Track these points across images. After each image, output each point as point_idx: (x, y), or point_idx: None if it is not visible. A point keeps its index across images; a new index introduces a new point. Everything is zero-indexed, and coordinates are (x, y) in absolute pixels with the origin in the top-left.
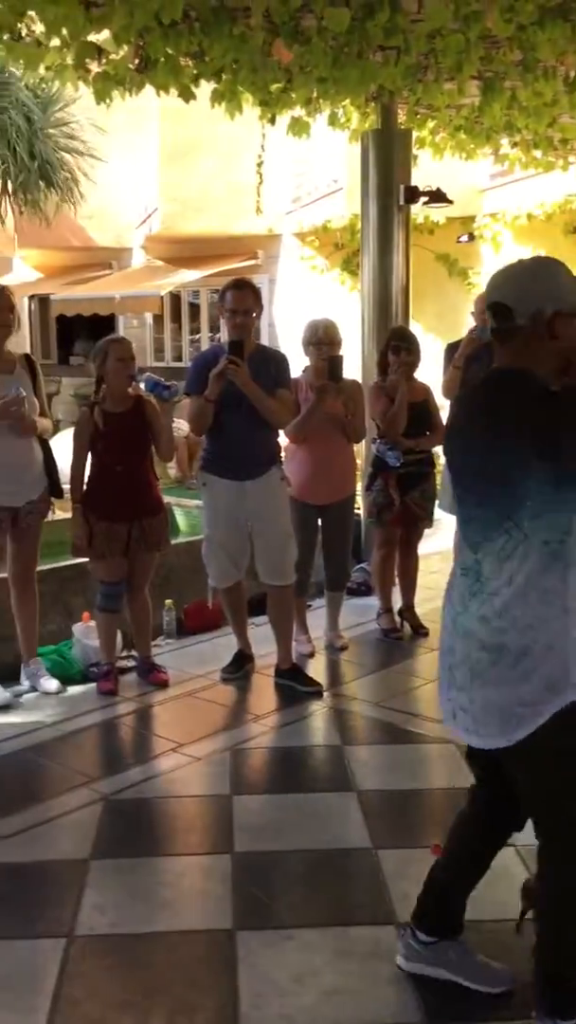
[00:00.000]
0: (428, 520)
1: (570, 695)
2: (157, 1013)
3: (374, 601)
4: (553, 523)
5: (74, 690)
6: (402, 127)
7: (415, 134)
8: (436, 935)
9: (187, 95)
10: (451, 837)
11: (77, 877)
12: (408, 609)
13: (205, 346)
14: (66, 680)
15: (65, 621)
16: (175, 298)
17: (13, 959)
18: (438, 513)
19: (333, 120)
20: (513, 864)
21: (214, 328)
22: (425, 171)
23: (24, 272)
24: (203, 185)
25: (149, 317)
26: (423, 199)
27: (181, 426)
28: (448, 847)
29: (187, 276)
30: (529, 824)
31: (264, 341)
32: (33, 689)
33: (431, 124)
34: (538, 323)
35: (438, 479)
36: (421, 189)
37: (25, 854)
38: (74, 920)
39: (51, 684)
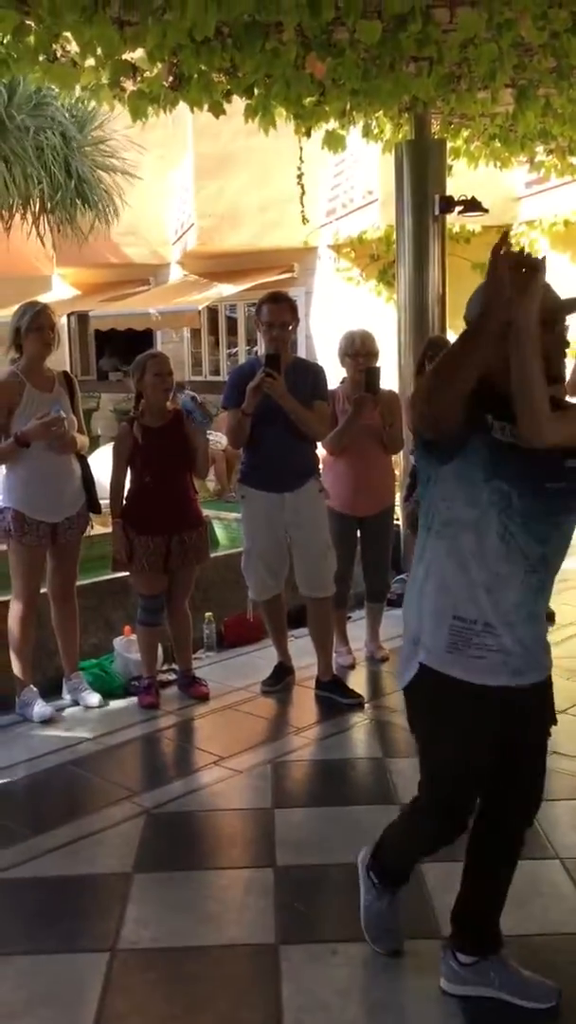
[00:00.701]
0: None
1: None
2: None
3: None
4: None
5: (116, 704)
6: (436, 137)
7: (449, 144)
8: (476, 955)
9: (217, 110)
10: (467, 855)
11: (120, 890)
12: None
13: (243, 360)
14: (107, 694)
15: (106, 635)
16: (212, 312)
17: (56, 973)
18: None
19: (367, 132)
20: (559, 876)
21: (251, 342)
22: (460, 180)
23: (63, 290)
24: (238, 199)
25: (187, 332)
26: (458, 209)
27: (220, 439)
28: (466, 866)
29: (224, 290)
30: (571, 837)
31: (301, 354)
32: (75, 703)
33: (465, 133)
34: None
35: None
36: (456, 199)
37: (68, 867)
38: (117, 934)
39: (93, 698)
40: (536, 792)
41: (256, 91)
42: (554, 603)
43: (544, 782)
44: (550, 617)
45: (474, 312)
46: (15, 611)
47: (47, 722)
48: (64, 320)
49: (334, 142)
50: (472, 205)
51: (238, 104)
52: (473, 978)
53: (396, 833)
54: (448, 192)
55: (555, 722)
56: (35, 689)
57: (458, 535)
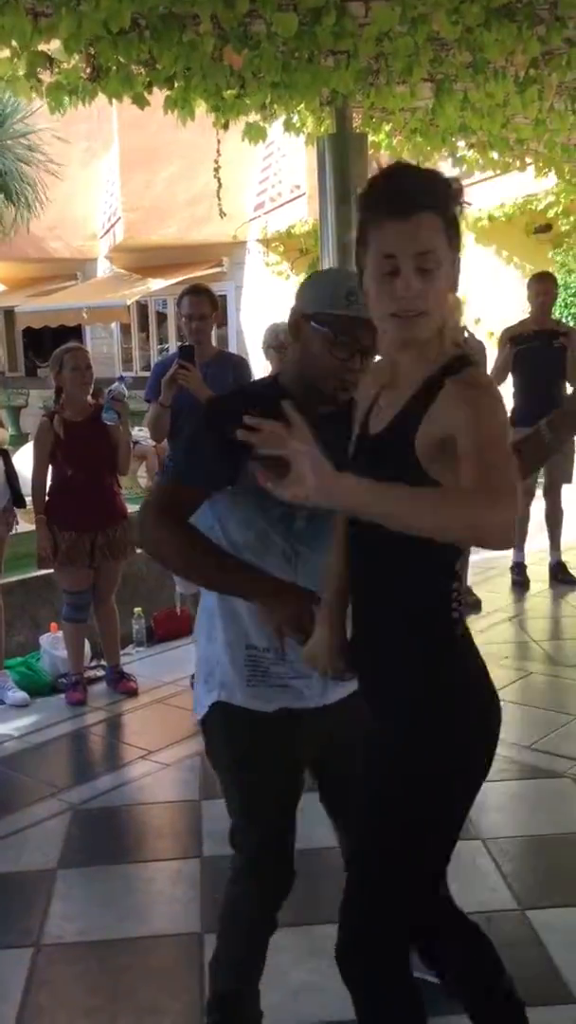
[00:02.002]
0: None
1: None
2: (124, 1017)
3: None
4: None
5: (43, 701)
6: (358, 131)
7: (371, 138)
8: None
9: (140, 102)
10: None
11: (45, 887)
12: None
13: None
14: (35, 692)
15: (32, 632)
16: (142, 307)
17: None
18: None
19: (288, 125)
20: (481, 857)
21: (182, 336)
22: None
23: None
24: (165, 193)
25: (116, 327)
26: None
27: (148, 435)
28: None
29: (153, 285)
30: (493, 817)
31: (232, 348)
32: (0, 702)
33: (387, 127)
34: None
35: None
36: None
37: None
38: (41, 929)
39: (18, 696)
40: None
41: (176, 83)
42: (479, 591)
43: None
44: (476, 605)
45: (309, 307)
46: None
47: None
48: None
49: (254, 134)
50: None
51: (161, 96)
52: None
53: (222, 936)
54: None
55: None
56: None
57: (239, 555)
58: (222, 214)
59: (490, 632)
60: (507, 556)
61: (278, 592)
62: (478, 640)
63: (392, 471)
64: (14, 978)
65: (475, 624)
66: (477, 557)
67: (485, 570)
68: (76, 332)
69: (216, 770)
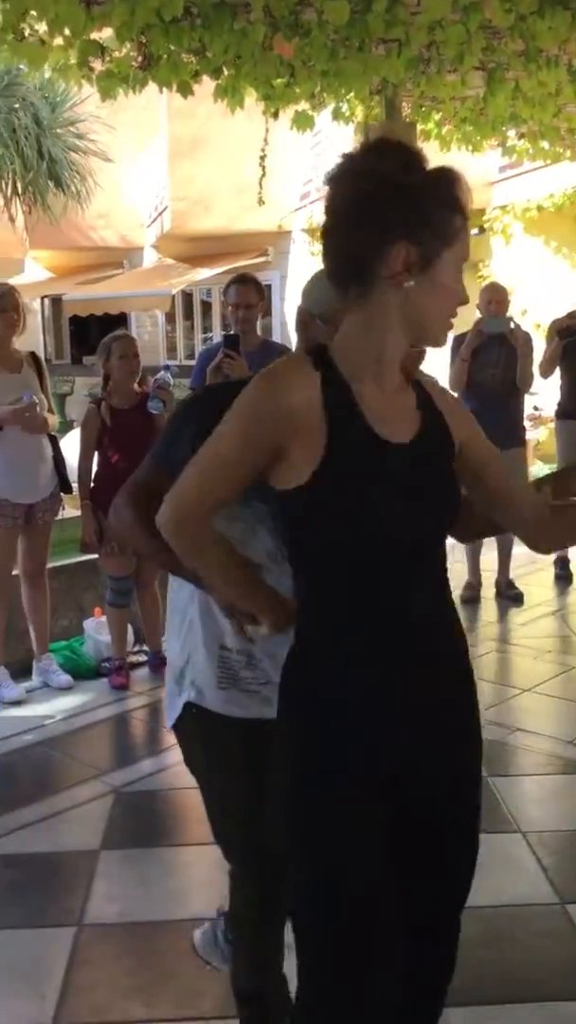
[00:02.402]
0: None
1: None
2: (164, 999)
3: None
4: None
5: (86, 685)
6: (407, 120)
7: (420, 127)
8: None
9: (185, 90)
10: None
11: (87, 867)
12: None
13: None
14: (78, 675)
15: (77, 617)
16: (187, 296)
17: (23, 948)
18: None
19: (337, 114)
20: (522, 850)
21: (226, 326)
22: (433, 165)
23: (36, 272)
24: (212, 182)
25: (161, 316)
26: None
27: None
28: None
29: (199, 274)
30: (534, 811)
31: (276, 338)
32: (45, 684)
33: (436, 116)
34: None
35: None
36: None
37: (37, 845)
38: (83, 909)
39: (62, 679)
40: None
41: (225, 71)
42: (522, 584)
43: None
44: (517, 598)
45: (316, 307)
46: None
47: (17, 703)
48: (37, 303)
49: (303, 123)
50: None
51: (210, 85)
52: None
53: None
54: None
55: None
56: (5, 670)
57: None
58: (261, 202)
59: (532, 626)
60: None
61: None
62: (520, 634)
63: (446, 480)
64: (57, 956)
65: (517, 618)
66: (520, 551)
67: (528, 563)
68: (121, 320)
69: (194, 774)
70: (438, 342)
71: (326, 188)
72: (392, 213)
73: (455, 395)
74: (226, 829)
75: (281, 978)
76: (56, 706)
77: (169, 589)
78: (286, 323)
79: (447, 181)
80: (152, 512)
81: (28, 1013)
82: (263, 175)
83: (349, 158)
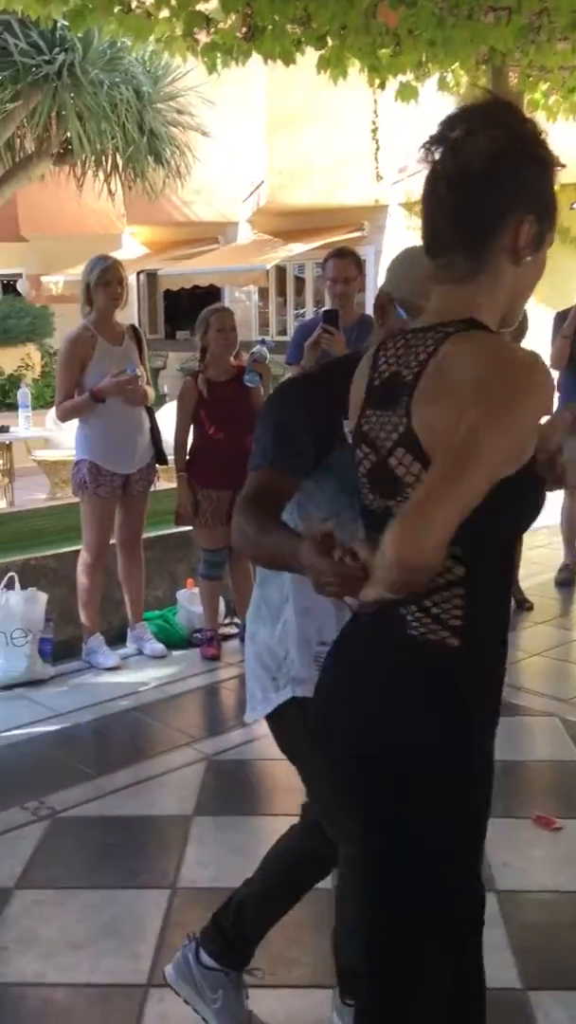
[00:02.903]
0: None
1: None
2: (257, 965)
3: None
4: None
5: (178, 654)
6: (514, 90)
7: (527, 97)
8: (218, 960)
9: (288, 59)
10: (268, 859)
11: (181, 831)
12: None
13: None
14: (170, 645)
15: (170, 587)
16: (280, 271)
17: (119, 907)
18: None
19: (443, 84)
20: None
21: (319, 302)
22: None
23: (133, 248)
24: (309, 156)
25: (255, 291)
26: None
27: None
28: (262, 869)
29: (293, 249)
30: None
31: (370, 313)
32: (139, 652)
33: (544, 87)
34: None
35: None
36: None
37: (131, 808)
38: (177, 873)
39: (156, 648)
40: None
41: (330, 42)
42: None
43: None
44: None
45: (399, 290)
46: (85, 561)
47: (112, 669)
48: (133, 279)
49: (407, 94)
50: None
51: (310, 58)
52: (200, 982)
53: (265, 884)
54: None
55: None
56: (101, 637)
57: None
58: (379, 177)
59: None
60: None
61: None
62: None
63: None
64: (151, 917)
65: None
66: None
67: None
68: (215, 296)
69: (296, 761)
70: (514, 323)
71: (450, 139)
72: (529, 180)
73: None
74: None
75: None
76: (150, 674)
77: (258, 584)
78: None
79: (557, 160)
80: (277, 516)
81: (124, 971)
82: (377, 148)
83: (480, 112)
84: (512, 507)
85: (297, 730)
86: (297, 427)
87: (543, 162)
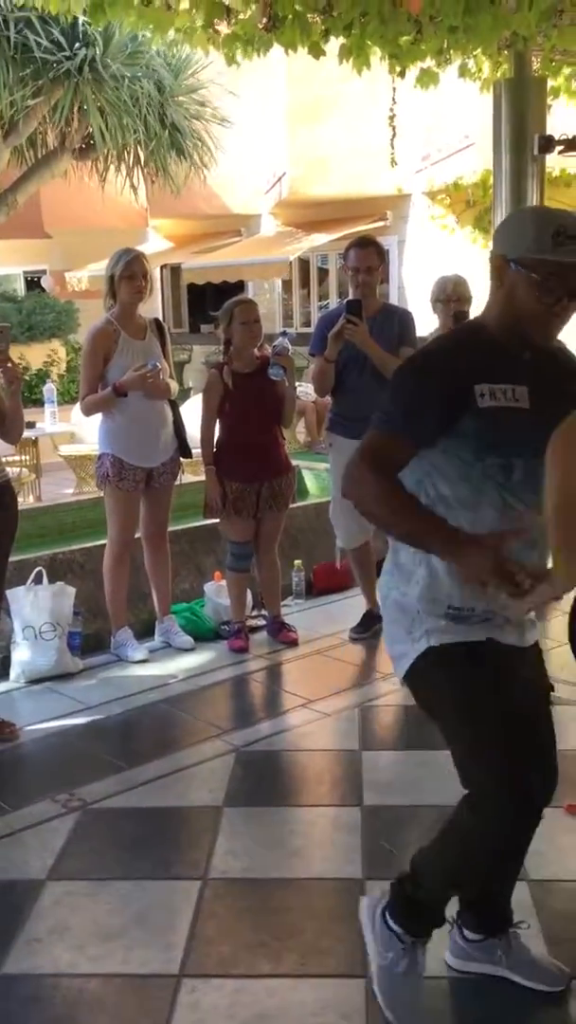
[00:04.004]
0: None
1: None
2: (288, 955)
3: None
4: None
5: (206, 647)
6: (536, 75)
7: (550, 82)
8: (482, 932)
9: (316, 51)
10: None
11: (211, 823)
12: None
13: None
14: (198, 637)
15: (197, 580)
16: (304, 263)
17: (150, 898)
18: None
19: (464, 71)
20: None
21: (343, 293)
22: (562, 121)
23: (156, 242)
24: (330, 147)
25: (278, 283)
26: (559, 148)
27: (309, 391)
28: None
29: (316, 240)
30: None
31: (394, 303)
32: (167, 645)
33: (567, 71)
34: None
35: None
36: (557, 138)
37: (162, 799)
38: (208, 863)
39: (184, 640)
40: (555, 753)
41: (352, 31)
42: None
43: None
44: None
45: (511, 250)
46: (111, 555)
47: (140, 662)
48: (157, 272)
49: (427, 80)
50: (573, 144)
51: (331, 48)
52: (479, 955)
53: (444, 855)
54: (548, 133)
55: (552, 688)
56: (129, 630)
57: (451, 514)
58: (393, 163)
59: None
60: None
61: (464, 544)
62: None
63: None
64: (182, 907)
65: None
66: None
67: None
68: (239, 288)
69: (438, 717)
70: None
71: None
72: None
73: None
74: (492, 760)
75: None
76: (178, 666)
77: (392, 551)
78: (403, 287)
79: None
80: (391, 478)
81: (156, 962)
82: (394, 135)
83: None
84: None
85: (436, 679)
86: (430, 397)
87: None
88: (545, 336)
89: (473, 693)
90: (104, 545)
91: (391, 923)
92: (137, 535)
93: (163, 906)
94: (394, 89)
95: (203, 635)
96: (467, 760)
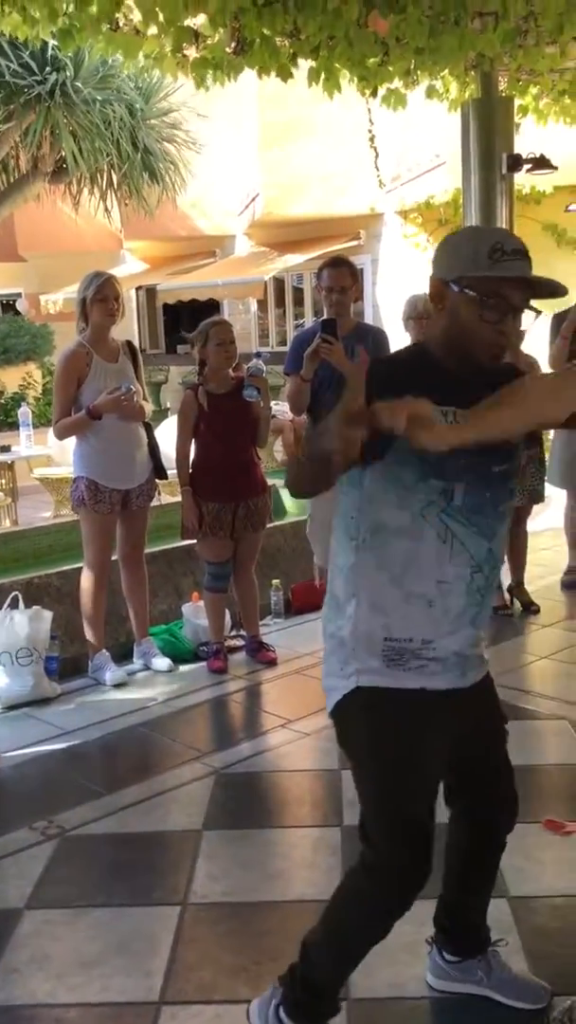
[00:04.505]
0: (539, 496)
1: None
2: (269, 979)
3: None
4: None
5: (185, 668)
6: (503, 94)
7: (517, 101)
8: (460, 955)
9: (285, 74)
10: (446, 851)
11: (191, 847)
12: (518, 586)
13: None
14: (177, 659)
15: (175, 601)
16: (279, 283)
17: (130, 925)
18: (549, 489)
19: (432, 91)
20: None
21: (318, 312)
22: (530, 140)
23: (132, 264)
24: (303, 168)
25: (253, 303)
26: (526, 167)
27: (286, 409)
28: (449, 874)
29: (290, 260)
30: None
31: (369, 322)
32: (145, 668)
33: (534, 90)
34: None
35: (546, 454)
36: (524, 157)
37: (142, 824)
38: (188, 888)
39: (163, 663)
40: (512, 782)
41: (320, 53)
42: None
43: (513, 776)
44: (532, 609)
45: (448, 273)
46: (88, 578)
47: (119, 686)
48: (133, 294)
49: (395, 100)
50: (541, 163)
51: (300, 70)
52: (460, 975)
53: (337, 924)
54: (517, 151)
55: (506, 719)
56: (107, 654)
57: (388, 543)
58: (381, 184)
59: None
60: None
61: (334, 430)
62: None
63: None
64: (163, 933)
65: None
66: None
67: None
68: (214, 309)
69: (352, 759)
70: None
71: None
72: None
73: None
74: (379, 813)
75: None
76: (157, 689)
77: (329, 581)
78: (378, 306)
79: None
80: None
81: (136, 989)
82: (376, 156)
83: None
84: None
85: (356, 721)
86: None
87: None
88: (491, 355)
89: (389, 744)
90: (81, 568)
91: (286, 1021)
92: (114, 557)
93: (143, 932)
94: (369, 109)
95: (182, 656)
96: (367, 813)
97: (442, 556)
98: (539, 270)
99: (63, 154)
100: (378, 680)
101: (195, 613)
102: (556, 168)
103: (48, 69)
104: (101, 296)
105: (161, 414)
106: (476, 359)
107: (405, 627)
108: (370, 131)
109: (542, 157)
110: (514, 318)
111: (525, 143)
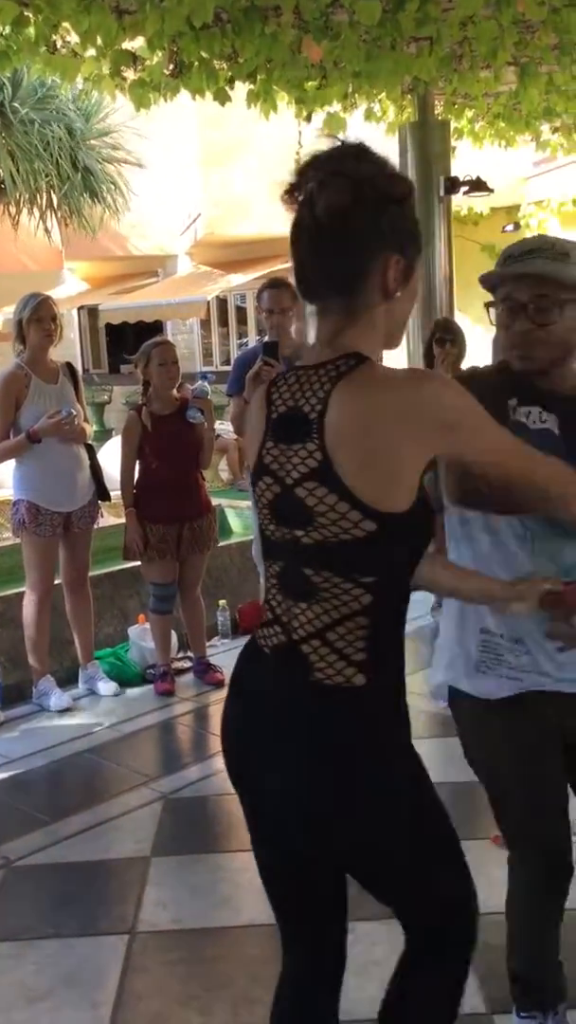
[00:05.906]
0: None
1: None
2: (219, 1007)
3: (428, 595)
4: None
5: (132, 692)
6: (440, 118)
7: (453, 124)
8: (534, 1010)
9: (223, 98)
10: (519, 909)
11: (139, 874)
12: None
13: None
14: (124, 682)
15: (121, 624)
16: (222, 302)
17: (78, 956)
18: None
19: (369, 114)
20: None
21: (262, 331)
22: (467, 162)
23: (73, 284)
24: (244, 188)
25: (197, 323)
26: (463, 189)
27: (231, 428)
28: (518, 919)
29: (233, 280)
30: None
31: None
32: (91, 692)
33: (469, 113)
34: None
35: None
36: (461, 179)
37: (88, 853)
38: (136, 916)
39: (109, 687)
40: None
41: (258, 77)
42: None
43: None
44: None
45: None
46: (30, 602)
47: (64, 711)
48: (75, 314)
49: (335, 125)
50: (477, 185)
51: (240, 91)
52: None
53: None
54: (455, 174)
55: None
56: (52, 679)
57: (475, 537)
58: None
59: None
60: None
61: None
62: None
63: None
64: (111, 964)
65: None
66: None
67: None
68: (157, 328)
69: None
70: (397, 344)
71: (305, 190)
72: (386, 221)
73: None
74: (526, 825)
75: (557, 964)
76: (103, 714)
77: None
78: None
79: (412, 189)
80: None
81: (83, 1021)
82: None
83: (326, 162)
84: (423, 527)
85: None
86: None
87: (398, 199)
88: (521, 358)
89: (502, 758)
90: (23, 592)
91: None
92: (57, 581)
93: (91, 964)
94: (299, 133)
95: (129, 680)
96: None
97: (522, 556)
98: (478, 289)
99: (1, 175)
100: (464, 684)
101: (141, 635)
102: (492, 191)
103: None
104: (37, 317)
105: (104, 434)
106: (510, 365)
107: (492, 620)
108: (298, 153)
109: (478, 180)
110: (528, 317)
111: (461, 166)
